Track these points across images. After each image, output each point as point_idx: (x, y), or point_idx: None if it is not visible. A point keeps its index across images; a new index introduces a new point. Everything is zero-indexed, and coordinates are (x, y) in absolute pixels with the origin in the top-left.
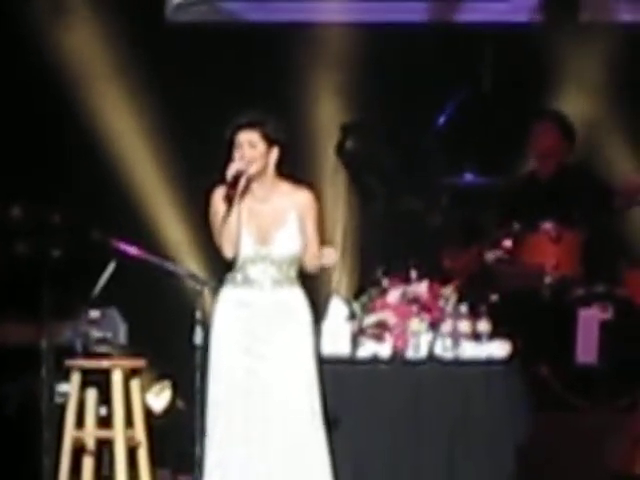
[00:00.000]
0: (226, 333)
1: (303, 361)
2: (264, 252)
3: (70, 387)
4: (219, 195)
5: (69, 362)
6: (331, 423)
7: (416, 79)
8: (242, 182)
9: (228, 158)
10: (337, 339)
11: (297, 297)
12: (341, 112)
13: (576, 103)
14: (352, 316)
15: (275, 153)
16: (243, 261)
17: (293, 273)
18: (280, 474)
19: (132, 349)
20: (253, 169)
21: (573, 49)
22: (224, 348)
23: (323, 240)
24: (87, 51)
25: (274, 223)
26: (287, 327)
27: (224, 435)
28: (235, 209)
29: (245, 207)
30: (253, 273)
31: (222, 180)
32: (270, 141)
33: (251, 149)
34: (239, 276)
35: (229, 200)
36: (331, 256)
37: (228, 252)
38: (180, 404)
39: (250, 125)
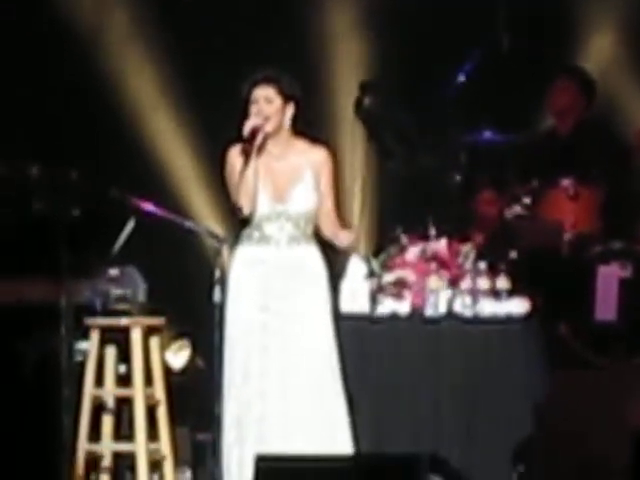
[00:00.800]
0: (242, 290)
1: (320, 317)
2: (280, 209)
3: (89, 345)
4: (235, 152)
5: (88, 320)
6: (350, 380)
7: (434, 36)
8: (259, 138)
9: (244, 115)
10: (356, 297)
11: (313, 254)
12: (359, 70)
13: (595, 58)
14: (371, 274)
15: (291, 109)
16: (259, 218)
17: (310, 230)
18: (298, 430)
19: (151, 307)
20: (270, 126)
21: (592, 3)
22: (240, 305)
23: (338, 198)
24: (104, 12)
25: (290, 180)
26: (303, 283)
27: (241, 392)
28: (252, 165)
29: (261, 164)
30: (269, 230)
31: (238, 137)
32: (286, 97)
33: (267, 104)
34: (256, 233)
35: (246, 156)
36: (348, 238)
37: (245, 208)
38: (199, 362)
39: (266, 81)
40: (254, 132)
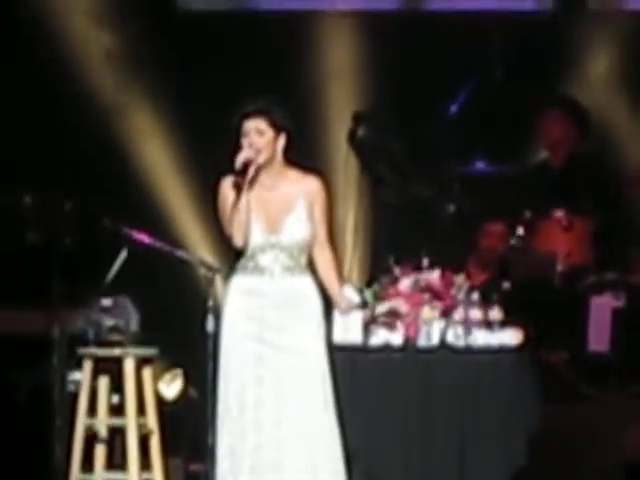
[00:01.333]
0: (237, 321)
1: (315, 348)
2: (273, 240)
3: (82, 375)
4: (227, 184)
5: (81, 350)
6: (342, 411)
7: (428, 67)
8: (251, 171)
9: (237, 146)
10: (349, 327)
11: (308, 285)
12: (353, 101)
13: (588, 90)
14: (364, 304)
15: (282, 140)
16: (253, 249)
17: (304, 260)
18: (292, 462)
19: (144, 337)
20: (262, 157)
21: (585, 36)
22: (235, 336)
23: (332, 228)
24: (98, 38)
25: (282, 210)
26: (298, 315)
27: (236, 422)
28: (244, 198)
29: (253, 196)
30: (263, 261)
31: (231, 169)
32: (277, 128)
33: (259, 136)
34: (250, 264)
35: (238, 189)
36: (350, 300)
37: (238, 241)
38: (192, 392)
39: (257, 113)
40: (246, 165)
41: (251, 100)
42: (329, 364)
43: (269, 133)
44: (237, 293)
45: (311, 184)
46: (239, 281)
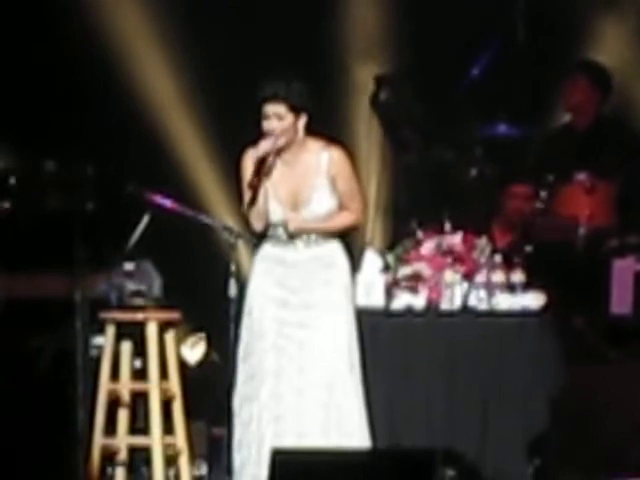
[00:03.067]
0: (262, 287)
1: (341, 314)
2: (293, 215)
3: (105, 340)
4: (249, 161)
5: (104, 315)
6: (366, 375)
7: (449, 30)
8: (269, 162)
9: (259, 122)
10: (371, 291)
11: (335, 250)
12: (375, 64)
13: (612, 52)
14: (386, 268)
15: (303, 120)
16: (274, 225)
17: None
18: (316, 426)
19: (166, 301)
20: (282, 141)
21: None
22: (259, 301)
23: (362, 191)
24: (120, 6)
25: (303, 186)
26: (324, 281)
27: (257, 389)
28: (262, 189)
29: (274, 172)
30: (286, 235)
31: (254, 140)
32: (297, 110)
33: (279, 121)
34: (274, 236)
35: (254, 188)
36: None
37: (257, 226)
38: (215, 357)
39: (275, 97)
40: (264, 159)
41: (269, 82)
42: (356, 330)
43: (289, 117)
44: (264, 260)
45: (332, 155)
46: (266, 249)
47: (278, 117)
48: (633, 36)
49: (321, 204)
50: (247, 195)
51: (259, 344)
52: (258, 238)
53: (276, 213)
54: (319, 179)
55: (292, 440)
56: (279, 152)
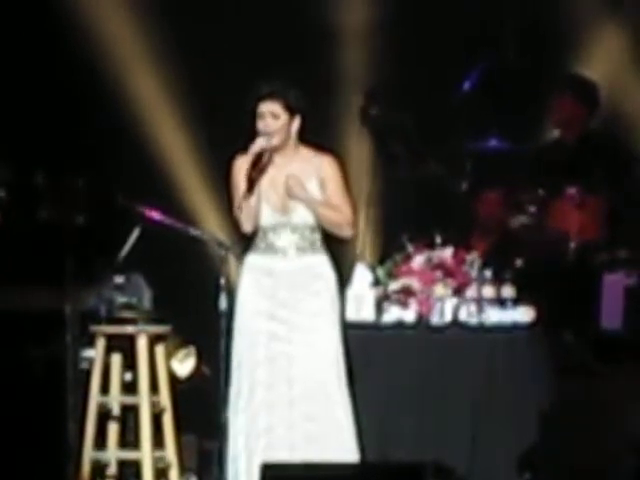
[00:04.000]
0: (250, 300)
1: (329, 326)
2: (284, 220)
3: (95, 352)
4: (239, 166)
5: (94, 328)
6: (355, 388)
7: (441, 44)
8: (265, 158)
9: (251, 127)
10: (362, 305)
11: (322, 263)
12: (365, 77)
13: (601, 67)
14: (376, 282)
15: (297, 122)
16: (264, 229)
17: (318, 239)
18: (305, 440)
19: (157, 315)
20: (276, 140)
21: (597, 13)
22: (248, 314)
23: (353, 203)
24: (109, 11)
25: None
26: (312, 293)
27: (249, 402)
28: (256, 187)
29: (265, 175)
30: (275, 241)
31: (243, 149)
32: (292, 111)
33: (274, 120)
34: (262, 244)
35: (251, 180)
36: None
37: (247, 227)
38: (205, 370)
39: (272, 96)
40: (260, 156)
41: (266, 82)
42: (343, 342)
43: (284, 116)
44: (251, 272)
45: (323, 163)
46: (253, 260)
47: (273, 116)
48: (623, 50)
49: (309, 211)
50: (241, 191)
51: (250, 356)
52: (243, 250)
53: (267, 216)
54: (310, 184)
55: (284, 453)
56: (272, 153)
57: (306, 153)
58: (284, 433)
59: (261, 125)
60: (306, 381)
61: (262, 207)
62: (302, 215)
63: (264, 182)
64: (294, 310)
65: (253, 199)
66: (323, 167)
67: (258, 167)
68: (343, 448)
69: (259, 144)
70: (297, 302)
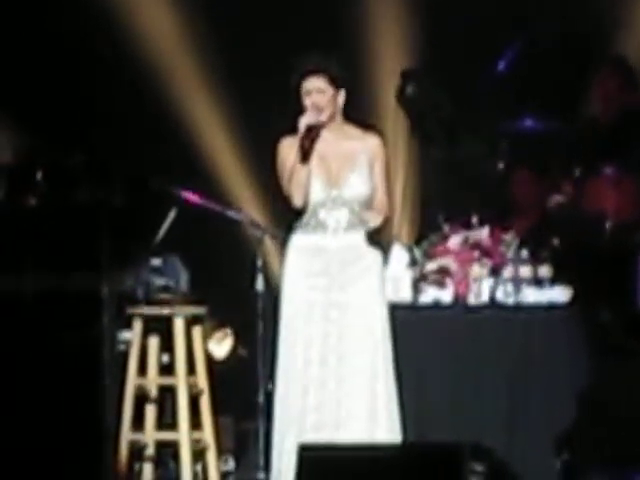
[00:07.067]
0: (301, 279)
1: (378, 304)
2: (335, 194)
3: (132, 334)
4: (287, 145)
5: (131, 310)
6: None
7: (477, 23)
8: (314, 133)
9: (295, 105)
10: (399, 285)
11: (367, 241)
12: (402, 57)
13: (638, 48)
14: (413, 262)
15: (342, 96)
16: (314, 205)
17: (365, 215)
18: (350, 419)
19: (194, 296)
20: (325, 116)
21: None
22: (299, 293)
23: (390, 186)
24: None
25: (344, 165)
26: (361, 270)
27: (301, 378)
28: (309, 157)
29: (314, 151)
30: (325, 216)
31: (290, 130)
32: (337, 84)
33: (320, 95)
34: (312, 221)
35: (303, 153)
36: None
37: (298, 200)
38: (242, 351)
39: (316, 71)
40: (310, 128)
41: (307, 57)
42: (389, 320)
43: (330, 91)
44: (299, 251)
45: (373, 141)
46: (301, 239)
47: (319, 91)
48: None
49: (359, 185)
50: (288, 173)
51: (304, 334)
52: (286, 231)
53: (317, 191)
54: (360, 161)
55: (329, 432)
56: (321, 129)
57: (353, 131)
58: (332, 411)
59: (308, 102)
60: (356, 360)
61: (312, 183)
62: (353, 189)
63: (313, 157)
64: (344, 287)
65: (305, 170)
66: (373, 149)
67: (309, 138)
68: (385, 428)
69: (306, 119)
70: (347, 279)
